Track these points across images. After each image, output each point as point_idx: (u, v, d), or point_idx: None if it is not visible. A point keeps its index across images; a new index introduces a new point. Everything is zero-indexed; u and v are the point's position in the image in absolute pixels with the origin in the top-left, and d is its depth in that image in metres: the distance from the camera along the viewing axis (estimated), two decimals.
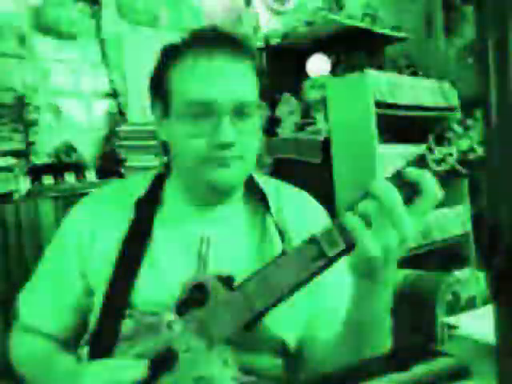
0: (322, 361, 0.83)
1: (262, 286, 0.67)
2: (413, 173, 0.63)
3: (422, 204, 0.63)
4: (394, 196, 0.62)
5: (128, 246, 0.85)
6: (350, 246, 0.64)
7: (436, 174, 0.64)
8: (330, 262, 0.65)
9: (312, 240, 0.65)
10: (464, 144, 0.63)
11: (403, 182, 0.63)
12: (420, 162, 0.64)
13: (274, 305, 0.67)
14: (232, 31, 0.87)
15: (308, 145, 2.26)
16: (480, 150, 0.62)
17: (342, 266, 0.83)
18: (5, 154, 1.78)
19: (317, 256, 0.65)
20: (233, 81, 0.81)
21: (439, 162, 0.64)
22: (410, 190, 0.63)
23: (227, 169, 0.81)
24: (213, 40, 0.83)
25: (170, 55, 0.85)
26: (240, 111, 0.81)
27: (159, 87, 0.85)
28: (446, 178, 0.64)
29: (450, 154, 0.64)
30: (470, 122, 0.63)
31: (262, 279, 0.67)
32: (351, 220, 0.63)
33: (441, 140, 0.64)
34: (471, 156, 0.63)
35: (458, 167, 0.63)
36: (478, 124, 0.63)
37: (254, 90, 0.84)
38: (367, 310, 0.71)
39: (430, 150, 0.64)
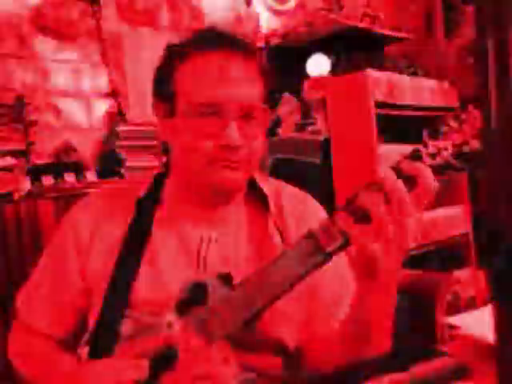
0: (322, 360, 0.83)
1: (260, 284, 0.67)
2: (410, 166, 0.63)
3: (419, 197, 0.63)
4: (404, 192, 0.62)
5: (128, 246, 0.84)
6: (347, 241, 0.64)
7: (431, 168, 0.64)
8: (328, 256, 0.65)
9: (310, 235, 0.66)
10: (458, 138, 0.63)
11: (401, 176, 0.63)
12: (415, 156, 0.65)
13: (273, 301, 0.67)
14: (237, 33, 0.87)
15: (308, 145, 2.26)
16: (474, 144, 0.63)
17: (342, 264, 0.83)
18: (5, 154, 1.78)
19: (314, 251, 0.65)
20: (242, 84, 0.81)
21: (434, 156, 0.64)
22: (407, 184, 0.63)
23: (233, 171, 0.81)
24: (222, 42, 0.82)
25: (177, 55, 0.84)
26: (247, 114, 0.81)
27: (164, 87, 0.84)
28: (441, 172, 0.64)
29: (445, 148, 0.64)
30: (463, 116, 0.64)
31: (261, 277, 0.67)
32: (344, 221, 0.63)
33: (435, 134, 0.64)
34: (465, 150, 0.63)
35: (453, 161, 0.64)
36: (471, 118, 0.63)
37: (260, 92, 0.84)
38: (368, 310, 0.71)
39: (425, 144, 0.65)
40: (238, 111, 0.79)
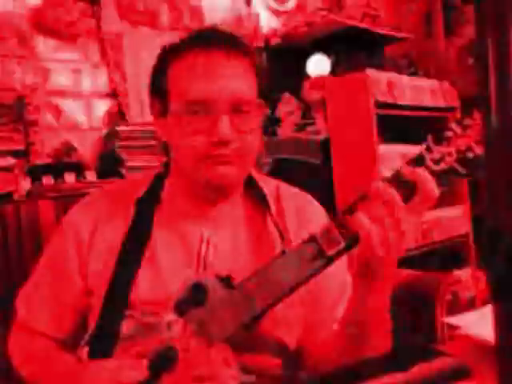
0: (322, 361, 0.83)
1: (261, 285, 0.67)
2: (410, 172, 0.64)
3: (420, 203, 0.64)
4: (393, 195, 0.63)
5: (128, 246, 0.85)
6: (349, 245, 0.64)
7: (435, 173, 0.64)
8: (330, 260, 0.65)
9: (311, 239, 0.66)
10: (462, 143, 0.63)
11: (402, 182, 0.64)
12: (419, 161, 0.65)
13: (274, 304, 0.67)
14: (229, 30, 0.87)
15: (308, 145, 2.26)
16: (478, 150, 0.62)
17: (342, 265, 0.83)
18: (5, 154, 1.78)
19: (316, 255, 0.65)
20: (230, 78, 0.81)
21: (438, 161, 0.64)
22: (407, 190, 0.64)
23: (225, 166, 0.81)
24: (210, 39, 0.83)
25: (169, 55, 0.85)
26: (238, 109, 0.81)
27: (158, 86, 0.86)
28: (445, 178, 0.64)
29: (449, 154, 0.64)
30: (468, 121, 0.63)
31: (262, 278, 0.67)
32: (363, 219, 0.64)
33: (439, 139, 0.64)
34: (470, 155, 0.63)
35: (457, 166, 0.64)
36: (476, 123, 0.63)
37: (252, 87, 0.84)
38: (366, 310, 0.71)
39: (429, 149, 0.64)
40: (228, 105, 0.80)
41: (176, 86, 0.83)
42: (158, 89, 0.86)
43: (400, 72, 2.56)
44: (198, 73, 0.81)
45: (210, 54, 0.81)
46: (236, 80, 0.82)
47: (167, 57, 0.85)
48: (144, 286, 0.82)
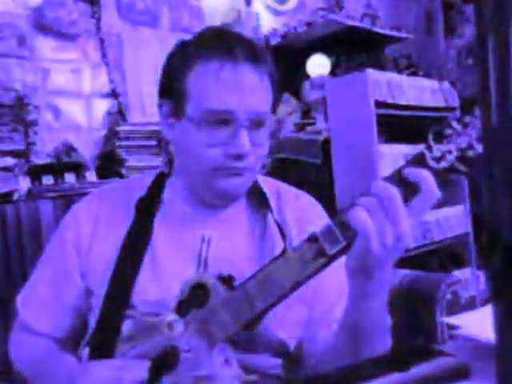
0: (322, 361, 0.83)
1: (262, 285, 0.67)
2: (412, 172, 0.63)
3: (421, 203, 0.63)
4: (393, 193, 0.62)
5: (128, 246, 0.84)
6: (350, 244, 0.64)
7: (435, 171, 0.64)
8: (330, 259, 0.65)
9: (312, 238, 0.65)
10: (463, 141, 0.63)
11: (402, 181, 0.64)
12: (419, 160, 0.64)
13: (275, 304, 0.67)
14: (253, 39, 0.86)
15: (308, 145, 2.26)
16: (479, 148, 0.62)
17: (340, 265, 0.83)
18: (5, 154, 1.78)
19: (317, 254, 0.65)
20: (253, 92, 0.80)
21: (438, 159, 0.64)
22: (408, 189, 0.63)
23: (239, 178, 0.81)
24: (237, 48, 0.80)
25: (189, 55, 0.82)
26: (256, 122, 0.81)
27: (173, 87, 0.83)
28: (446, 176, 0.64)
29: (449, 152, 0.63)
30: (468, 119, 0.63)
31: (262, 278, 0.67)
32: (360, 213, 0.63)
33: (440, 138, 0.64)
34: (470, 153, 0.63)
35: (457, 165, 0.63)
36: (476, 121, 0.63)
37: (269, 102, 0.84)
38: (364, 309, 0.71)
39: (429, 147, 0.64)
40: (249, 120, 0.79)
41: (196, 91, 0.80)
42: (172, 89, 0.83)
43: (400, 72, 2.56)
44: (225, 83, 0.78)
45: (237, 64, 0.79)
46: (258, 94, 0.81)
47: (185, 57, 0.82)
48: (145, 286, 0.82)
